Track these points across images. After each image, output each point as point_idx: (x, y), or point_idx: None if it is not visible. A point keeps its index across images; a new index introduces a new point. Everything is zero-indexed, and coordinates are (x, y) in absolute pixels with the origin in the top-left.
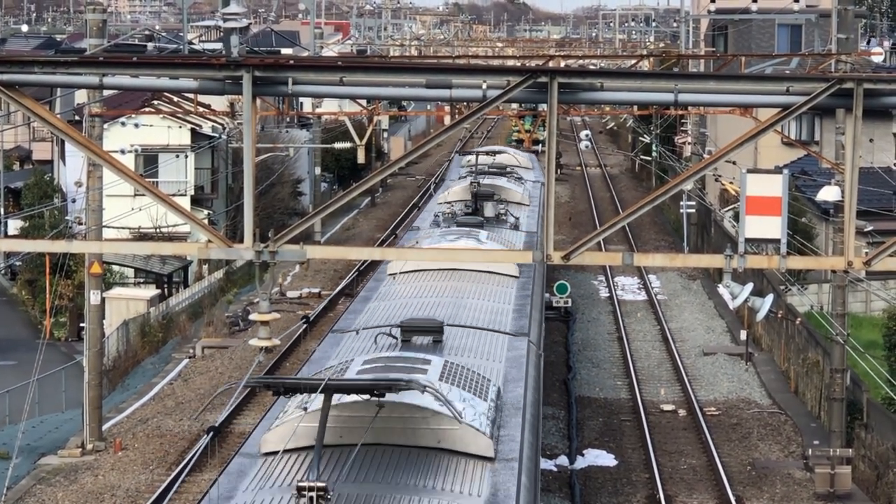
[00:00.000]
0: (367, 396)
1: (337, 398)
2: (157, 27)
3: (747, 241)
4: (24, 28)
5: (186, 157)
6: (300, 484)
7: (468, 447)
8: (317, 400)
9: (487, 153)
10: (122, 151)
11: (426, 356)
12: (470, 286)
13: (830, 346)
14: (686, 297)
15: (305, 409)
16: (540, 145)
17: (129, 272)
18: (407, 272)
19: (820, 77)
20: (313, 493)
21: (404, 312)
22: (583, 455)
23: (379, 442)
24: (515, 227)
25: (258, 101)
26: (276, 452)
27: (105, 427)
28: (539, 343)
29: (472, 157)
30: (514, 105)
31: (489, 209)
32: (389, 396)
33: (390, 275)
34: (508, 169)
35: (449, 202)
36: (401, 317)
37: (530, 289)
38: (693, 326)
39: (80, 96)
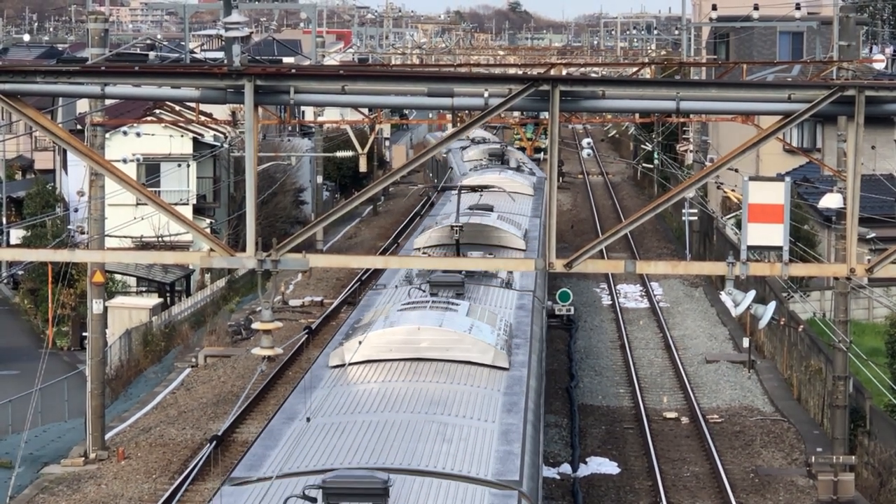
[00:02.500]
0: None
1: None
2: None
3: (749, 248)
4: (26, 37)
5: (188, 166)
6: None
7: None
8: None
9: (474, 187)
10: (124, 161)
11: None
12: (441, 392)
13: (833, 354)
14: (688, 305)
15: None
16: (542, 153)
17: (132, 281)
18: (359, 363)
19: (822, 84)
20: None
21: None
22: (586, 463)
23: None
24: (508, 285)
25: (260, 109)
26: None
27: (108, 436)
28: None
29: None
30: (516, 113)
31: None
32: None
33: (334, 367)
34: (505, 194)
35: (427, 248)
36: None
37: (523, 390)
38: (695, 334)
39: (82, 106)
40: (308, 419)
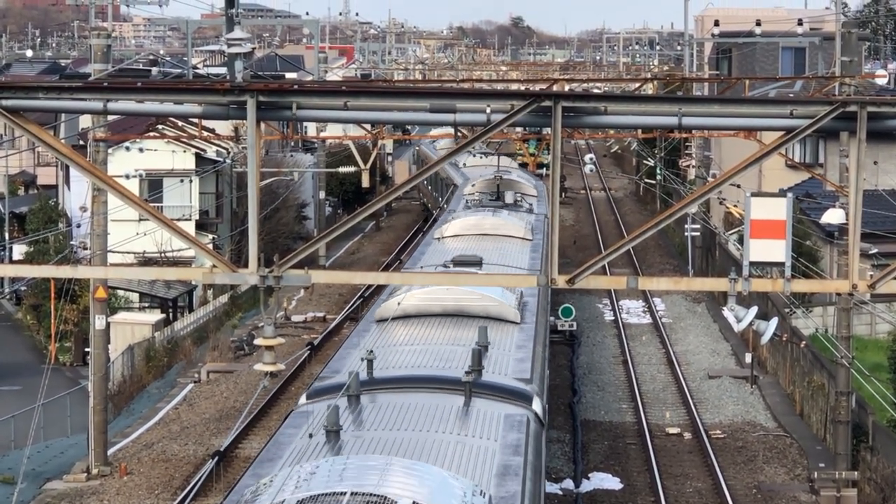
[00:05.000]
0: None
1: None
2: (162, 52)
3: (752, 264)
4: (29, 53)
5: (191, 181)
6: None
7: None
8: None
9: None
10: (127, 176)
11: None
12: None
13: (835, 369)
14: (691, 320)
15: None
16: (544, 169)
17: (134, 297)
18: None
19: (824, 100)
20: None
21: None
22: (588, 478)
23: None
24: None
25: (262, 125)
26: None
27: (110, 452)
28: None
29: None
30: (519, 129)
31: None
32: None
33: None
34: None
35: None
36: None
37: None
38: (698, 349)
39: (85, 121)
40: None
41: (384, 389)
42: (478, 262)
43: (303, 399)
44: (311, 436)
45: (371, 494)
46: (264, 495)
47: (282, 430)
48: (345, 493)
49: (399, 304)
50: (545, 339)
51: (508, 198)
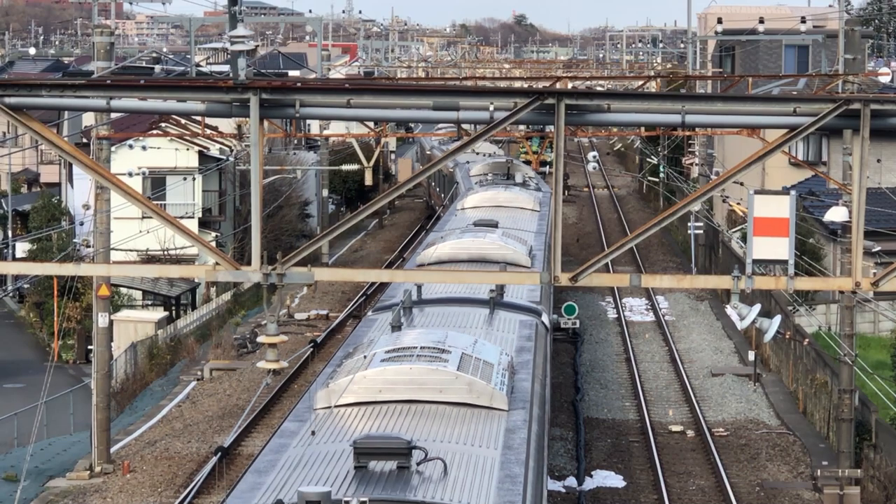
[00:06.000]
0: None
1: None
2: (165, 50)
3: (755, 262)
4: (32, 51)
5: (194, 179)
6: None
7: None
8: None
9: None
10: (130, 174)
11: None
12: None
13: (838, 367)
14: (694, 318)
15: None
16: (547, 167)
17: (137, 295)
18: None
19: (827, 98)
20: None
21: None
22: (591, 476)
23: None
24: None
25: (265, 123)
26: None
27: (113, 449)
28: None
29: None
30: (522, 126)
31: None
32: None
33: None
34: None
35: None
36: None
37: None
38: (701, 347)
39: (88, 119)
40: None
41: (430, 305)
42: (494, 225)
43: (370, 312)
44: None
45: (433, 347)
46: (356, 355)
47: (357, 328)
48: (416, 347)
49: (434, 252)
50: None
51: (518, 177)
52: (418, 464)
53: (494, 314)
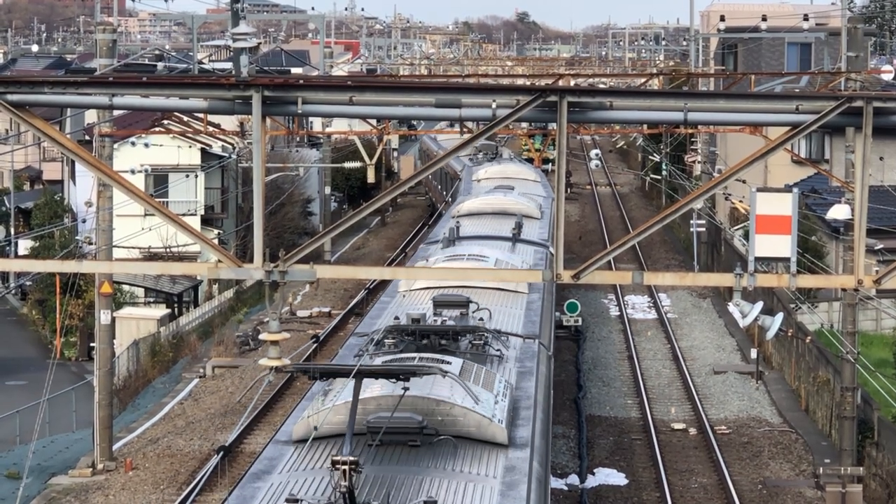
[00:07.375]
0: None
1: None
2: (167, 47)
3: (757, 259)
4: (35, 48)
5: (196, 176)
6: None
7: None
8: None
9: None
10: (132, 171)
11: None
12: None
13: (841, 365)
14: (696, 316)
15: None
16: (550, 164)
17: (140, 292)
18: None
19: (829, 95)
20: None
21: None
22: (593, 474)
23: None
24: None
25: (268, 120)
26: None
27: (115, 447)
28: None
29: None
30: (524, 124)
31: None
32: None
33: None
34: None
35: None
36: None
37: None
38: (703, 345)
39: (91, 116)
40: None
41: (466, 240)
42: (511, 188)
43: (422, 246)
44: (427, 259)
45: (473, 257)
46: (419, 260)
47: (415, 255)
48: (463, 256)
49: (465, 205)
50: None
51: (505, 154)
52: None
53: (515, 247)
